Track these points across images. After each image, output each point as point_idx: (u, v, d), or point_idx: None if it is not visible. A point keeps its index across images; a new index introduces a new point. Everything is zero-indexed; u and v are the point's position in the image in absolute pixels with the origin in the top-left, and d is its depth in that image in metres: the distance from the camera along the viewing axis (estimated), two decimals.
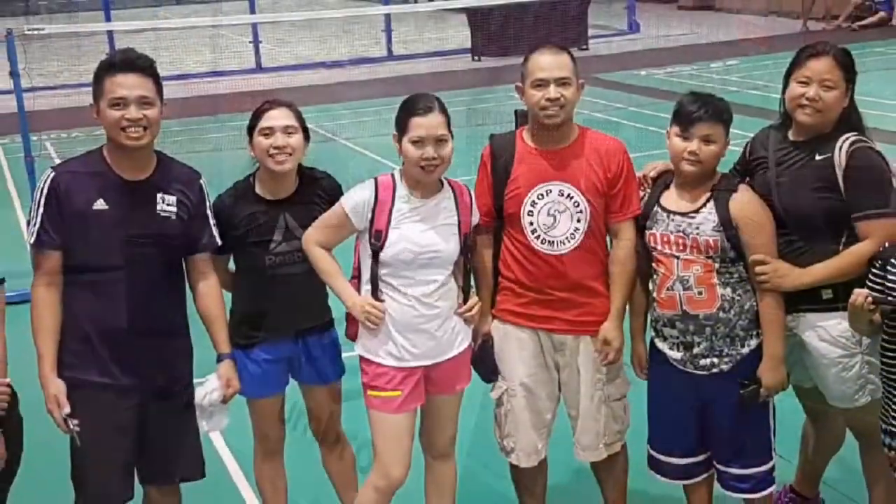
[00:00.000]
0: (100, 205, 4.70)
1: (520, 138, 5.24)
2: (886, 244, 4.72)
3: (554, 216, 5.09)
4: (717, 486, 5.33)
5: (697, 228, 4.95)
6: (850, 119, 5.03)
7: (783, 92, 5.08)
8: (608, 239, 5.23)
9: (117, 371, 4.76)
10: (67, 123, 16.82)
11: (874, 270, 4.70)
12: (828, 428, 5.57)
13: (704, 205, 4.97)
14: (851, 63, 5.03)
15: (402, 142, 4.93)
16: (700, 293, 4.97)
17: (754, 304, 4.99)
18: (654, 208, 5.10)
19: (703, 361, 5.05)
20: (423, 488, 5.40)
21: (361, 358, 5.08)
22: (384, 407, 5.01)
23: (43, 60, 23.67)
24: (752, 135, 5.32)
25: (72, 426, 4.68)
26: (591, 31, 24.80)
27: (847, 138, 4.93)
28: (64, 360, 4.74)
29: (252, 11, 25.91)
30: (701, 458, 5.27)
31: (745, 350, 5.02)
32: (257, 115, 5.18)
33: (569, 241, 5.10)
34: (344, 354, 5.40)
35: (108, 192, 4.73)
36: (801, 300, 4.97)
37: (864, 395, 5.03)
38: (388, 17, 25.85)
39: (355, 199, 4.99)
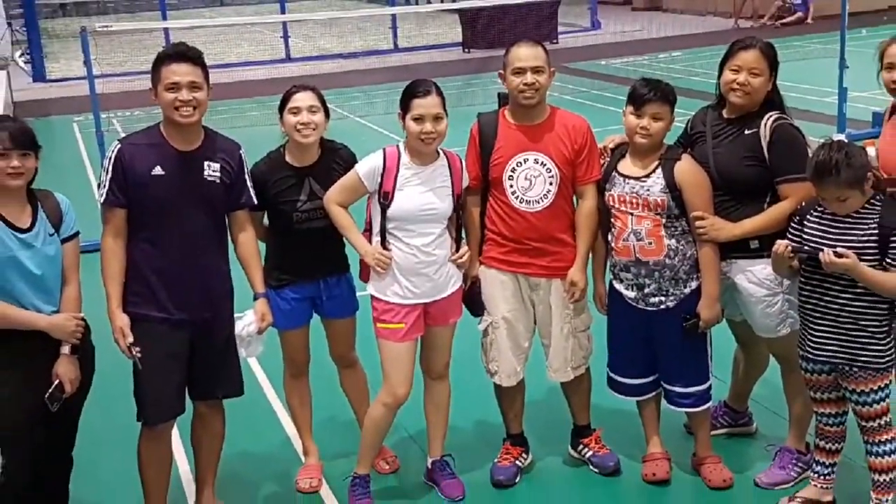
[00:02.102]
0: (157, 171, 4.66)
1: (502, 116, 5.21)
2: (803, 203, 4.72)
3: (530, 180, 5.07)
4: (663, 402, 5.34)
5: (648, 190, 4.94)
6: (773, 100, 5.02)
7: (718, 78, 5.07)
8: (575, 199, 5.21)
9: (172, 307, 4.73)
10: (130, 104, 16.67)
11: (793, 224, 4.71)
12: (755, 354, 5.57)
13: (654, 171, 4.96)
14: (774, 54, 5.02)
15: (406, 119, 4.91)
16: (650, 243, 4.95)
17: (694, 252, 4.99)
18: (613, 173, 5.09)
19: (652, 299, 5.05)
20: (422, 404, 5.40)
21: (372, 296, 5.06)
22: (391, 336, 5.01)
23: (111, 52, 23.53)
24: (692, 113, 5.29)
25: (134, 353, 4.66)
26: (560, 28, 24.54)
27: (771, 116, 4.92)
28: (127, 298, 4.71)
29: (282, 12, 25.64)
30: (650, 378, 5.28)
31: (687, 290, 5.01)
32: (286, 97, 5.14)
33: (542, 201, 5.08)
34: (357, 294, 5.38)
35: (164, 160, 4.69)
36: (733, 249, 4.97)
37: (784, 327, 5.04)
38: (394, 16, 25.66)
39: (367, 166, 4.97)
